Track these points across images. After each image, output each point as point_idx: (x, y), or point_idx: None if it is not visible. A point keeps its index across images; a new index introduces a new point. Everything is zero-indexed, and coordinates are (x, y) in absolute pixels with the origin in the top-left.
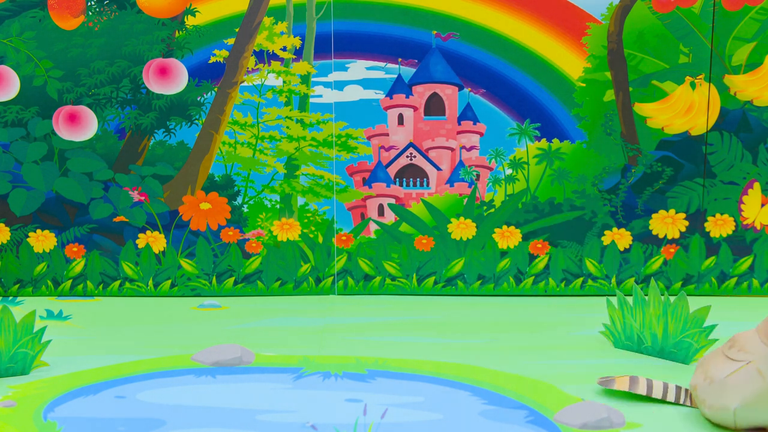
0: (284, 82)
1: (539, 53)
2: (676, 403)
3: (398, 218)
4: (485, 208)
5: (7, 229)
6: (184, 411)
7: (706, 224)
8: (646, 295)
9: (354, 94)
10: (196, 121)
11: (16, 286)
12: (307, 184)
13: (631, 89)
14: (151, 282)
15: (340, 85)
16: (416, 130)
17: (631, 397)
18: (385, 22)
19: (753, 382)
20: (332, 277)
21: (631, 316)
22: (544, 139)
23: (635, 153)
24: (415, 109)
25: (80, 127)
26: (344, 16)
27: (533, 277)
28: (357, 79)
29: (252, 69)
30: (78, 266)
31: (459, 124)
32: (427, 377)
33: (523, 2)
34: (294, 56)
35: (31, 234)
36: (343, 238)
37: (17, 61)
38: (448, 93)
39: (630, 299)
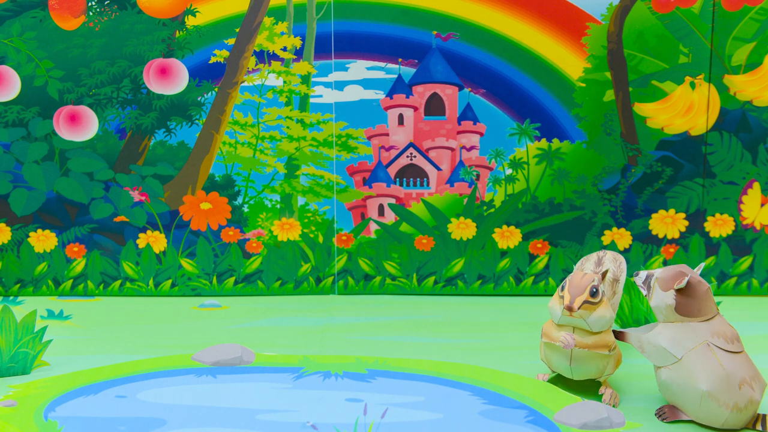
0: (284, 82)
1: (539, 53)
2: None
3: (398, 218)
4: (485, 208)
5: (8, 228)
6: (185, 411)
7: (705, 224)
8: None
9: (354, 94)
10: (197, 121)
11: (17, 285)
12: (308, 184)
13: (630, 89)
14: (151, 282)
15: (340, 85)
16: (416, 130)
17: (631, 397)
18: (385, 22)
19: None
20: (332, 277)
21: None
22: (544, 139)
23: (635, 153)
24: (416, 109)
25: (81, 127)
26: (344, 16)
27: (533, 277)
28: (357, 79)
29: (252, 69)
30: (79, 266)
31: (459, 124)
32: (427, 377)
33: (523, 2)
34: (294, 56)
35: (31, 234)
36: (344, 237)
37: (18, 61)
38: (448, 93)
39: None
